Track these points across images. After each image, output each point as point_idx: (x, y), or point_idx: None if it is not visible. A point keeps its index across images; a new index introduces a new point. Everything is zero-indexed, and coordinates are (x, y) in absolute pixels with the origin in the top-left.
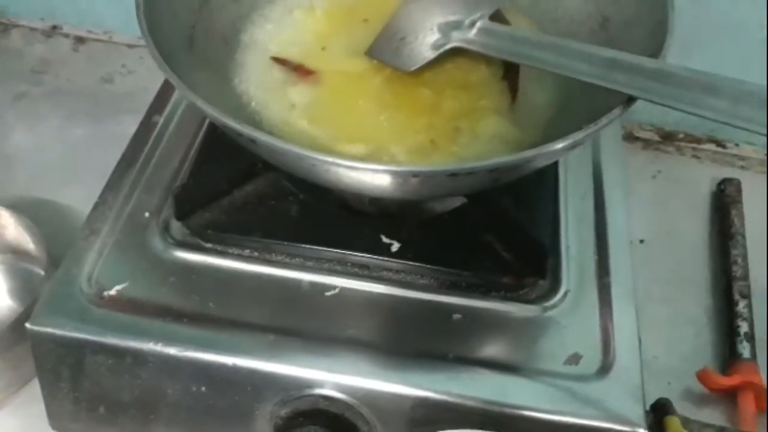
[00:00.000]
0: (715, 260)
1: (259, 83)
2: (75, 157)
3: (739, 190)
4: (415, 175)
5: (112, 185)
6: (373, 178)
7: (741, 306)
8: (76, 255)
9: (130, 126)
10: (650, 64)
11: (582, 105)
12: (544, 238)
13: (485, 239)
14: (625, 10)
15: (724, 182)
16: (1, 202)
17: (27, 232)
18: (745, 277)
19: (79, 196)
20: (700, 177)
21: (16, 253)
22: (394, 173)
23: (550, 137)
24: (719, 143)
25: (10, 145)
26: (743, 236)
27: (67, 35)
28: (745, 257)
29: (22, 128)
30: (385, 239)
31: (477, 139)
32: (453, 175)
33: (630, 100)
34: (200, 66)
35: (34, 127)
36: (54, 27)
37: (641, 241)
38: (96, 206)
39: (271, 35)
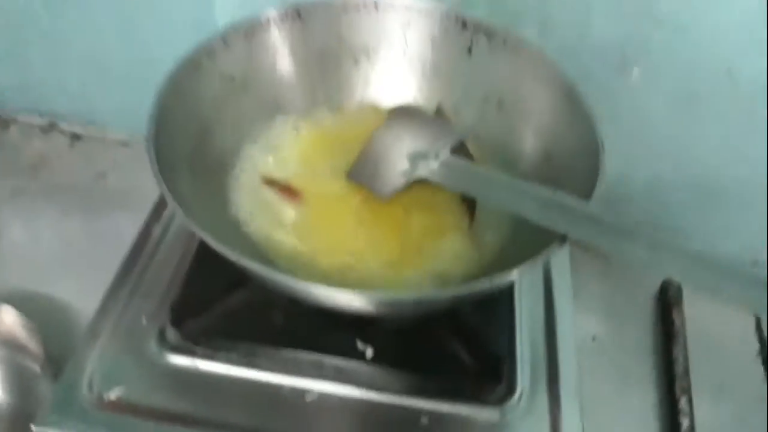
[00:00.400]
0: (660, 357)
1: (250, 202)
2: (69, 252)
3: (679, 292)
4: (382, 301)
5: (112, 292)
6: (344, 299)
7: (682, 402)
8: (78, 360)
9: (123, 223)
10: (581, 208)
11: (531, 228)
12: (500, 344)
13: (451, 346)
14: (565, 148)
15: (666, 283)
16: None
17: (23, 328)
18: (686, 374)
19: (73, 291)
20: (645, 277)
21: (11, 347)
22: (362, 297)
23: (505, 255)
24: None
25: (6, 240)
26: (684, 335)
27: (63, 132)
28: (685, 356)
29: (18, 224)
30: (360, 345)
31: (440, 255)
32: (417, 301)
33: (563, 237)
34: (198, 188)
35: (30, 223)
36: (51, 124)
37: (593, 339)
38: (97, 313)
39: (263, 158)
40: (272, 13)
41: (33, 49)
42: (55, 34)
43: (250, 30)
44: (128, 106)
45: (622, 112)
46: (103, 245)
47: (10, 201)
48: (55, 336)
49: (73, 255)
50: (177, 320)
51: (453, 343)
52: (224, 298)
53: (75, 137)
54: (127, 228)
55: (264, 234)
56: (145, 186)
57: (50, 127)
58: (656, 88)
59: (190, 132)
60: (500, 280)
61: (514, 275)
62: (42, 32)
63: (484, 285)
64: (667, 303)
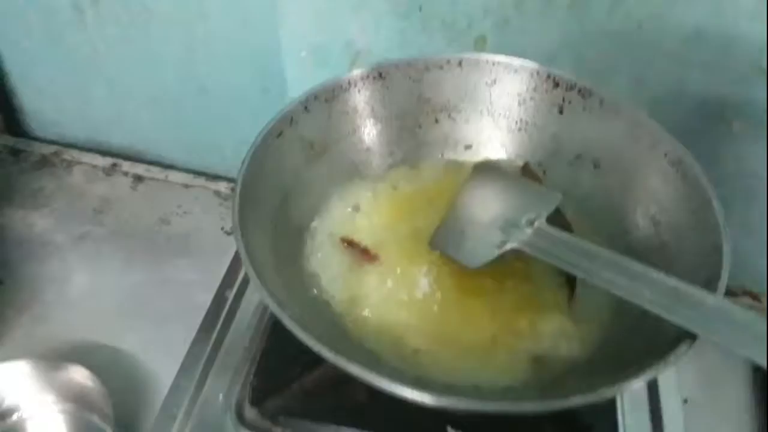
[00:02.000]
0: (758, 423)
1: (327, 269)
2: (134, 301)
3: None
4: (462, 406)
5: (186, 367)
6: (422, 399)
7: None
8: None
9: (186, 270)
10: (712, 302)
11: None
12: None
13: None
14: (676, 219)
15: None
16: (63, 350)
17: (92, 386)
18: None
19: (138, 343)
20: None
21: (80, 403)
22: (453, 403)
23: (609, 338)
24: (755, 297)
25: (71, 288)
26: None
27: (126, 173)
28: None
29: (83, 270)
30: (450, 430)
31: (538, 335)
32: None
33: (693, 336)
34: (279, 261)
35: (94, 270)
36: (114, 165)
37: (685, 401)
38: (171, 390)
39: (339, 224)
40: (354, 75)
41: (95, 86)
42: (116, 72)
43: (331, 94)
44: (187, 142)
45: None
46: (167, 294)
47: (76, 248)
48: (122, 392)
49: (138, 305)
50: (257, 399)
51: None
52: (305, 374)
53: (137, 179)
54: (191, 275)
55: (343, 306)
56: (208, 230)
57: (113, 169)
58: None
59: (272, 202)
60: (612, 390)
61: (624, 388)
62: (104, 71)
63: (583, 400)
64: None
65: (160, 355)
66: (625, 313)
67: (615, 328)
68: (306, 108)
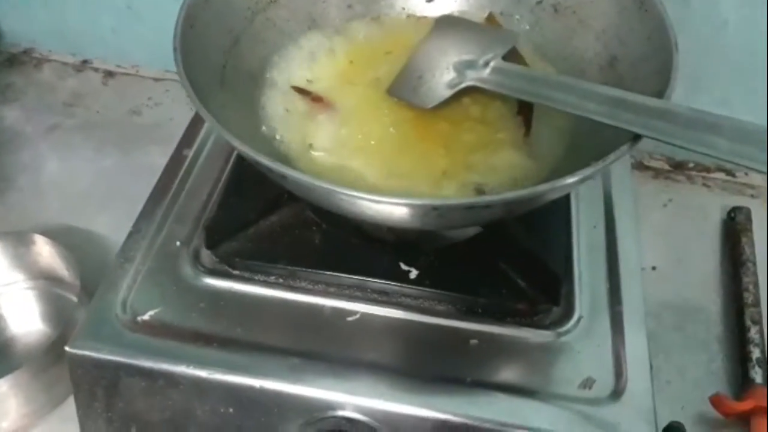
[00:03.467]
0: (727, 287)
1: (282, 117)
2: (105, 186)
3: (749, 218)
4: (435, 207)
5: (145, 215)
6: (395, 210)
7: (753, 332)
8: (111, 282)
9: (157, 156)
10: (655, 104)
11: (592, 139)
12: (557, 266)
13: (500, 267)
14: (632, 50)
15: (734, 210)
16: (35, 229)
17: (61, 259)
18: (757, 303)
19: (109, 224)
20: (711, 205)
21: (50, 279)
22: (415, 206)
23: (562, 169)
24: (729, 172)
25: (43, 176)
26: (754, 263)
27: (96, 69)
28: (756, 284)
29: (54, 159)
30: (403, 266)
31: (492, 171)
32: (470, 207)
33: (636, 137)
34: (229, 102)
35: (66, 158)
36: (84, 62)
37: (653, 268)
38: (130, 235)
39: (295, 73)
40: None
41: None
42: None
43: None
44: (160, 45)
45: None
46: (138, 179)
47: (46, 137)
48: (93, 268)
49: (109, 189)
50: (212, 243)
51: (503, 264)
52: (260, 220)
53: (108, 74)
54: (162, 161)
55: (298, 151)
56: (179, 120)
57: (83, 65)
58: None
59: (219, 44)
60: (563, 182)
61: (579, 177)
62: None
63: (545, 189)
64: (735, 230)
65: None
66: (577, 150)
67: (566, 164)
68: None
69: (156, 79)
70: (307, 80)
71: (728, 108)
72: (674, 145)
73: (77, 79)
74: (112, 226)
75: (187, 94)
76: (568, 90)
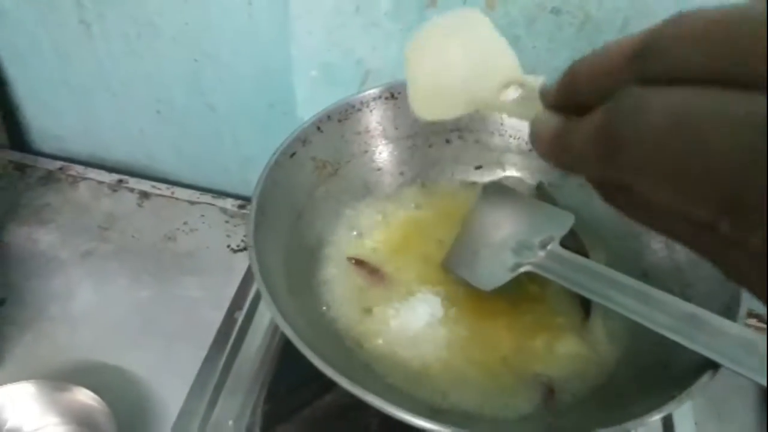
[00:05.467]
0: None
1: (338, 289)
2: (139, 319)
3: None
4: None
5: (196, 391)
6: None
7: None
8: None
9: (192, 288)
10: (734, 330)
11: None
12: None
13: None
14: (699, 264)
15: None
16: (65, 364)
17: (97, 407)
18: None
19: (143, 362)
20: None
21: (84, 425)
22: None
23: (624, 361)
24: None
25: (76, 305)
26: None
27: (132, 189)
28: None
29: (88, 287)
30: None
31: (556, 359)
32: None
33: (715, 365)
34: (292, 282)
35: (99, 287)
36: (120, 181)
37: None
38: (180, 414)
39: (351, 244)
40: (366, 95)
41: (100, 99)
42: (121, 85)
43: (344, 114)
44: (191, 157)
45: None
46: (173, 312)
47: (81, 264)
48: (127, 412)
49: (144, 323)
50: (267, 425)
51: None
52: (315, 400)
53: (143, 195)
54: (198, 293)
55: (354, 327)
56: (214, 247)
57: (118, 185)
58: None
59: (286, 222)
60: (646, 419)
61: (662, 413)
62: (109, 83)
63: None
64: None
65: (167, 375)
66: (643, 338)
67: (632, 354)
68: (319, 128)
69: (191, 203)
70: (364, 251)
71: None
72: (757, 381)
73: (113, 200)
74: (147, 365)
75: (268, 307)
76: (633, 294)
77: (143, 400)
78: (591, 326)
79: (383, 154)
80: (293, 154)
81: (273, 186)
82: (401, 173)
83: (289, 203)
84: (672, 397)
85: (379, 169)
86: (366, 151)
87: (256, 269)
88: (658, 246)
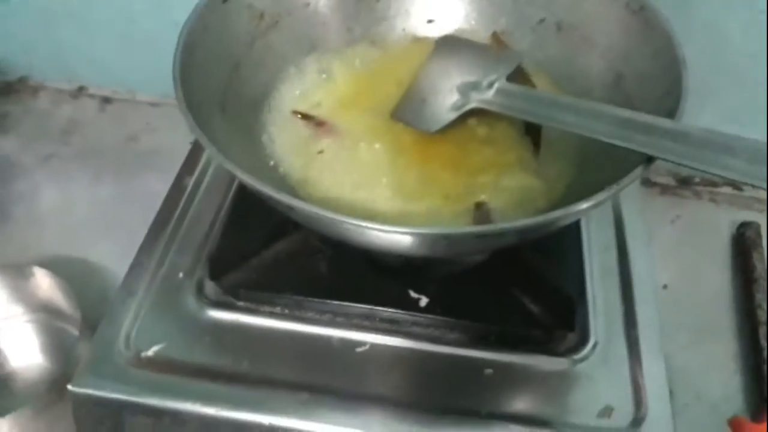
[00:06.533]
0: (739, 304)
1: (284, 141)
2: (103, 215)
3: (758, 233)
4: (444, 237)
5: (146, 247)
6: (404, 239)
7: None
8: (114, 317)
9: (155, 183)
10: (667, 125)
11: (603, 158)
12: (570, 289)
13: (512, 293)
14: (638, 69)
15: (744, 225)
16: (33, 261)
17: (60, 292)
18: None
19: (108, 254)
20: (720, 220)
21: (49, 312)
22: (424, 235)
23: (574, 190)
24: (736, 186)
25: (40, 205)
26: (765, 279)
27: (93, 96)
28: None
29: (51, 188)
30: (413, 294)
31: (501, 193)
32: (481, 236)
33: (649, 159)
34: (231, 130)
35: (63, 187)
36: (80, 88)
37: (664, 287)
38: (131, 268)
39: (297, 99)
40: None
41: (61, 17)
42: (82, 2)
43: None
44: (157, 70)
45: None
46: (136, 206)
47: (42, 166)
48: (92, 299)
49: (107, 217)
50: (215, 274)
51: (515, 290)
52: (265, 249)
53: (105, 100)
54: (160, 188)
55: (301, 177)
56: (177, 146)
57: (79, 92)
58: None
59: (219, 70)
60: (577, 208)
61: (593, 202)
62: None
63: (558, 215)
64: (745, 246)
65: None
66: (588, 169)
67: (580, 179)
68: None
69: (153, 105)
70: (310, 105)
71: (737, 123)
72: (687, 166)
73: (73, 106)
74: (111, 255)
75: (188, 124)
76: (577, 111)
77: (107, 286)
78: (540, 159)
79: (327, 7)
80: (225, 0)
81: (203, 29)
82: (349, 29)
83: (223, 51)
84: (602, 188)
85: (323, 23)
86: (308, 4)
87: (180, 99)
88: (606, 79)
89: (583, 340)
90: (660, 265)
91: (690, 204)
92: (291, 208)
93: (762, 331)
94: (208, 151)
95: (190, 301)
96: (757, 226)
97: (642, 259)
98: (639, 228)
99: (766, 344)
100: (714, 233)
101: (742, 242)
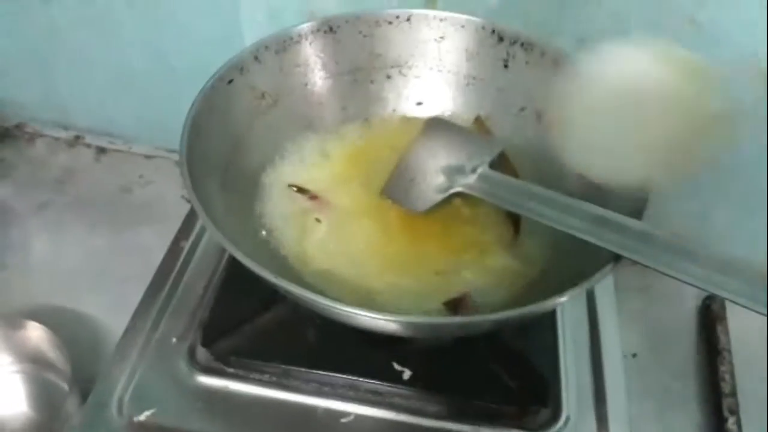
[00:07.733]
0: (705, 375)
1: (279, 214)
2: (95, 266)
3: (723, 306)
4: (431, 325)
5: (141, 311)
6: (391, 325)
7: (730, 423)
8: (108, 380)
9: (148, 236)
10: (635, 226)
11: (578, 243)
12: (545, 367)
13: (491, 368)
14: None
15: (709, 299)
16: (23, 310)
17: (50, 344)
18: (733, 393)
19: (100, 306)
20: (686, 293)
21: (38, 363)
22: (407, 324)
23: (551, 271)
24: None
25: (33, 254)
26: (729, 352)
27: (89, 145)
28: (731, 373)
29: (45, 237)
30: (397, 367)
31: (484, 271)
32: (463, 325)
33: (618, 257)
34: (228, 200)
35: (55, 237)
36: (77, 137)
37: (633, 355)
38: (126, 331)
39: (292, 174)
40: (304, 27)
41: (58, 65)
42: (80, 51)
43: (282, 45)
44: (152, 122)
45: None
46: (128, 259)
47: (36, 214)
48: (83, 352)
49: (100, 269)
50: (207, 340)
51: (494, 365)
52: (256, 317)
53: (100, 150)
54: (153, 241)
55: (293, 249)
56: (169, 199)
57: (76, 141)
58: None
59: (222, 148)
60: (550, 303)
61: (566, 297)
62: (67, 49)
63: (532, 310)
64: (710, 318)
65: (121, 316)
66: (564, 251)
67: (554, 265)
68: (256, 58)
69: (147, 157)
70: (305, 180)
71: None
72: (652, 268)
73: (69, 155)
74: (102, 307)
75: (196, 208)
76: (553, 205)
77: (97, 339)
78: (520, 241)
79: (324, 88)
80: (230, 81)
81: (209, 110)
82: (343, 108)
83: (225, 129)
84: (574, 285)
85: (320, 103)
86: (306, 84)
87: (187, 181)
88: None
89: (556, 415)
90: (631, 333)
91: (659, 275)
92: (288, 291)
93: (725, 403)
94: (211, 233)
95: (182, 366)
96: (722, 300)
97: (611, 332)
98: (609, 301)
99: (728, 416)
100: (681, 304)
101: (708, 315)
